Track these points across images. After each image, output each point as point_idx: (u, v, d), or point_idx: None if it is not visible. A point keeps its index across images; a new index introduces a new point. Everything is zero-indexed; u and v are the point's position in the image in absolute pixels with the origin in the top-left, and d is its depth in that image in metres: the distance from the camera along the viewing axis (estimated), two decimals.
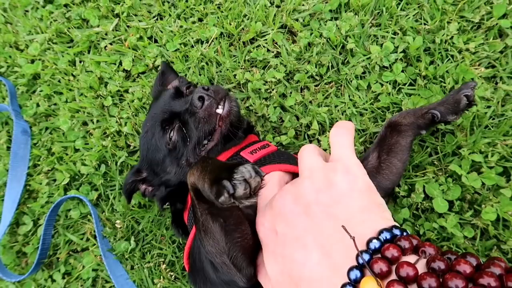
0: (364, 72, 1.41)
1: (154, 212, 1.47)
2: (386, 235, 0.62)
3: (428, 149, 1.26)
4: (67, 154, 1.59)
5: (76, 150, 1.61)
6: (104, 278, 1.48)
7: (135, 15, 1.68)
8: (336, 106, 1.40)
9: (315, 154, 0.85)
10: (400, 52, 1.37)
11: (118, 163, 1.53)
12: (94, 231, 1.50)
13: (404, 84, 1.35)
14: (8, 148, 1.66)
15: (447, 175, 1.22)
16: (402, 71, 1.36)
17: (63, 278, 1.49)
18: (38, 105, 1.67)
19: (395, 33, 1.41)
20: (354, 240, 0.62)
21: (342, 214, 0.71)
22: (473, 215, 1.18)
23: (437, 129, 1.27)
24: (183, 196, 1.16)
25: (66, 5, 1.79)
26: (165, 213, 1.46)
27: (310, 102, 1.43)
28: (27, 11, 1.84)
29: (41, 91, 1.69)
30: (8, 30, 1.81)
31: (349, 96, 1.40)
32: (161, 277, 1.40)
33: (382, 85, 1.37)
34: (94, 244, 1.50)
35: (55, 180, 1.59)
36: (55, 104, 1.68)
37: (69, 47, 1.73)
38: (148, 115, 1.24)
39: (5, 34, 1.80)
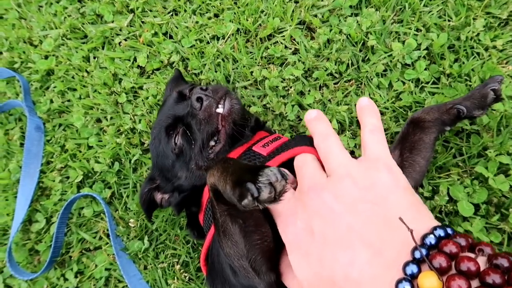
0: (385, 70, 1.36)
1: (168, 211, 1.44)
2: (440, 232, 0.59)
3: (453, 150, 1.21)
4: (80, 152, 1.58)
5: (90, 148, 1.59)
6: (117, 278, 1.45)
7: (150, 10, 1.65)
8: (356, 105, 1.35)
9: (342, 150, 0.82)
10: (423, 50, 1.32)
11: (132, 161, 1.51)
12: (107, 230, 1.48)
13: (427, 83, 1.31)
14: (22, 144, 1.65)
15: (472, 177, 1.18)
16: (425, 69, 1.31)
17: (76, 277, 1.47)
18: (51, 101, 1.65)
19: (417, 30, 1.37)
20: (412, 233, 0.59)
21: (390, 212, 0.68)
22: (500, 219, 1.13)
23: (462, 129, 1.22)
24: (197, 199, 1.13)
25: (80, 1, 1.78)
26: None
27: (329, 100, 1.39)
28: (41, 6, 1.82)
29: (54, 87, 1.68)
30: (22, 25, 1.80)
31: (369, 94, 1.36)
32: (175, 278, 1.37)
33: (404, 83, 1.33)
34: (107, 243, 1.48)
35: (68, 178, 1.57)
36: (68, 101, 1.66)
37: (83, 43, 1.71)
38: (155, 121, 1.22)
39: (19, 30, 1.78)
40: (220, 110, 1.05)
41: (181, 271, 1.39)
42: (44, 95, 1.68)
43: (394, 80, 1.34)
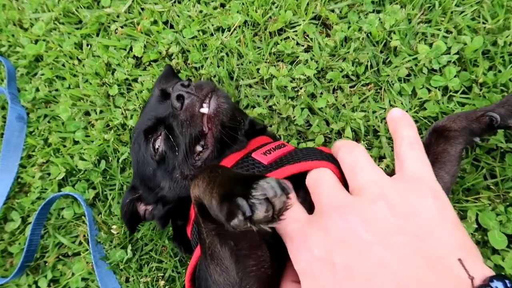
0: (408, 75, 1.21)
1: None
2: (498, 285, 0.47)
3: (484, 171, 1.06)
4: (65, 146, 1.43)
5: (76, 143, 1.44)
6: None
7: None
8: (374, 112, 1.20)
9: (371, 163, 0.68)
10: (454, 54, 1.17)
11: (120, 160, 1.36)
12: (88, 235, 1.33)
13: (456, 92, 1.15)
14: (2, 135, 1.50)
15: (506, 203, 1.02)
16: (455, 76, 1.15)
17: (49, 286, 1.32)
18: (37, 90, 1.51)
19: (448, 32, 1.21)
20: (472, 281, 0.47)
21: (435, 250, 0.53)
22: None
23: (495, 147, 1.07)
24: (183, 211, 0.98)
25: None
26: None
27: (343, 105, 1.23)
28: None
29: (42, 74, 1.53)
30: (13, 6, 1.66)
31: (389, 101, 1.21)
32: None
33: (429, 91, 1.18)
34: (87, 250, 1.33)
35: (49, 174, 1.42)
36: (56, 90, 1.51)
37: (77, 28, 1.57)
38: (136, 123, 1.07)
39: (9, 11, 1.64)
40: (204, 110, 0.89)
41: (166, 287, 1.23)
42: (30, 83, 1.54)
43: (419, 86, 1.18)
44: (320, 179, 0.71)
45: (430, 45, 1.21)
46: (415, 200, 0.60)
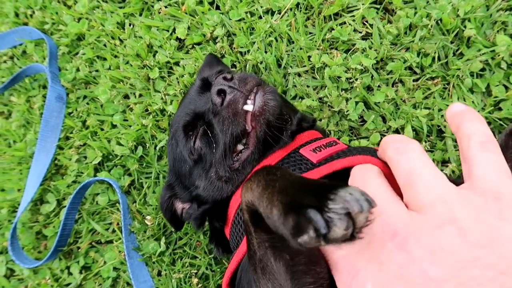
0: (483, 69, 1.06)
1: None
2: None
3: None
4: (102, 130, 1.38)
5: (113, 126, 1.38)
6: (126, 281, 1.25)
7: None
8: (440, 110, 1.06)
9: (432, 168, 0.52)
10: None
11: (158, 147, 1.29)
12: (121, 223, 1.27)
13: None
14: (42, 114, 1.47)
15: None
16: None
17: (81, 272, 1.29)
18: (78, 69, 1.46)
19: None
20: None
21: None
22: None
23: None
24: (221, 213, 0.90)
25: None
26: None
27: (404, 101, 1.10)
28: None
29: (83, 54, 1.48)
30: None
31: (458, 98, 1.07)
32: None
33: (507, 88, 1.03)
34: (120, 239, 1.28)
35: (86, 158, 1.38)
36: (96, 71, 1.46)
37: (120, 7, 1.50)
38: (174, 115, 1.00)
39: None
40: (249, 107, 0.79)
41: (199, 285, 1.17)
42: (71, 62, 1.49)
43: (494, 83, 1.04)
44: (364, 177, 0.57)
45: (511, 36, 1.05)
46: (495, 224, 0.46)
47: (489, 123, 1.03)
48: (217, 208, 0.89)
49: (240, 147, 0.84)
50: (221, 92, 0.80)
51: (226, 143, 0.81)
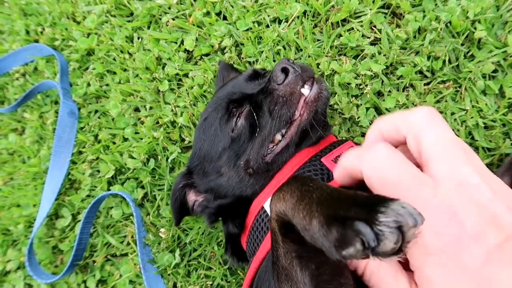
0: (495, 71, 1.05)
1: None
2: None
3: None
4: (114, 143, 1.39)
5: (125, 140, 1.39)
6: None
7: None
8: (452, 114, 1.05)
9: None
10: None
11: (170, 159, 1.30)
12: (136, 236, 1.28)
13: None
14: (55, 130, 1.49)
15: None
16: None
17: (97, 286, 1.30)
18: (89, 84, 1.48)
19: None
20: None
21: None
22: None
23: None
24: (238, 215, 0.89)
25: None
26: (219, 225, 1.21)
27: (416, 105, 1.09)
28: None
29: (93, 69, 1.50)
30: None
31: (471, 101, 1.05)
32: None
33: None
34: (135, 251, 1.28)
35: (99, 171, 1.39)
36: (107, 85, 1.47)
37: (128, 21, 1.52)
38: (210, 102, 0.98)
39: (63, 4, 1.62)
40: (305, 91, 0.82)
41: None
42: (82, 77, 1.51)
43: (508, 85, 1.02)
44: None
45: None
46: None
47: (503, 125, 1.01)
48: (235, 207, 0.89)
49: (278, 137, 0.85)
50: (285, 70, 0.82)
51: (273, 126, 0.82)
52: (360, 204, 0.45)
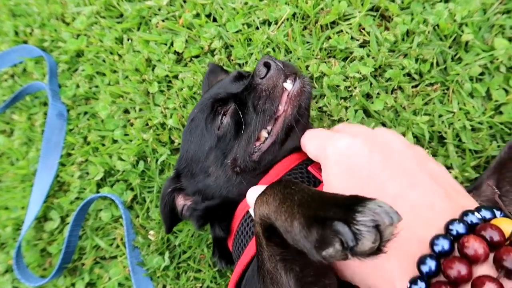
0: (482, 74, 1.06)
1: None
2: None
3: None
4: (103, 145, 1.38)
5: (114, 142, 1.39)
6: None
7: None
8: (440, 116, 1.06)
9: None
10: None
11: (159, 161, 1.29)
12: (125, 238, 1.27)
13: None
14: (44, 131, 1.48)
15: None
16: None
17: None
18: (78, 86, 1.47)
19: None
20: None
21: None
22: None
23: None
24: (224, 218, 0.89)
25: None
26: (208, 227, 1.20)
27: (404, 107, 1.10)
28: None
29: (83, 70, 1.49)
30: (56, 0, 1.63)
31: (458, 103, 1.06)
32: None
33: (507, 92, 1.02)
34: (124, 254, 1.28)
35: (88, 174, 1.38)
36: (96, 87, 1.47)
37: (118, 22, 1.51)
38: (196, 104, 0.98)
39: (52, 5, 1.61)
40: (288, 86, 0.82)
41: None
42: (71, 79, 1.50)
43: (495, 87, 1.03)
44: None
45: (510, 39, 1.05)
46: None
47: (490, 128, 1.02)
48: (222, 209, 0.88)
49: (264, 134, 0.85)
50: (267, 65, 0.82)
51: (258, 122, 0.82)
52: (339, 205, 0.45)
